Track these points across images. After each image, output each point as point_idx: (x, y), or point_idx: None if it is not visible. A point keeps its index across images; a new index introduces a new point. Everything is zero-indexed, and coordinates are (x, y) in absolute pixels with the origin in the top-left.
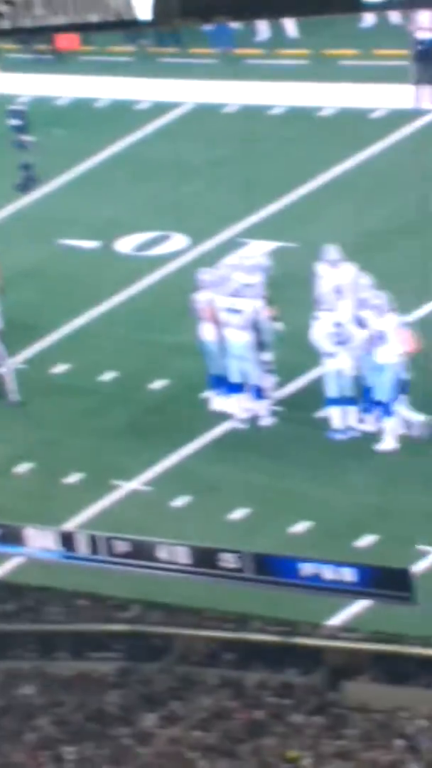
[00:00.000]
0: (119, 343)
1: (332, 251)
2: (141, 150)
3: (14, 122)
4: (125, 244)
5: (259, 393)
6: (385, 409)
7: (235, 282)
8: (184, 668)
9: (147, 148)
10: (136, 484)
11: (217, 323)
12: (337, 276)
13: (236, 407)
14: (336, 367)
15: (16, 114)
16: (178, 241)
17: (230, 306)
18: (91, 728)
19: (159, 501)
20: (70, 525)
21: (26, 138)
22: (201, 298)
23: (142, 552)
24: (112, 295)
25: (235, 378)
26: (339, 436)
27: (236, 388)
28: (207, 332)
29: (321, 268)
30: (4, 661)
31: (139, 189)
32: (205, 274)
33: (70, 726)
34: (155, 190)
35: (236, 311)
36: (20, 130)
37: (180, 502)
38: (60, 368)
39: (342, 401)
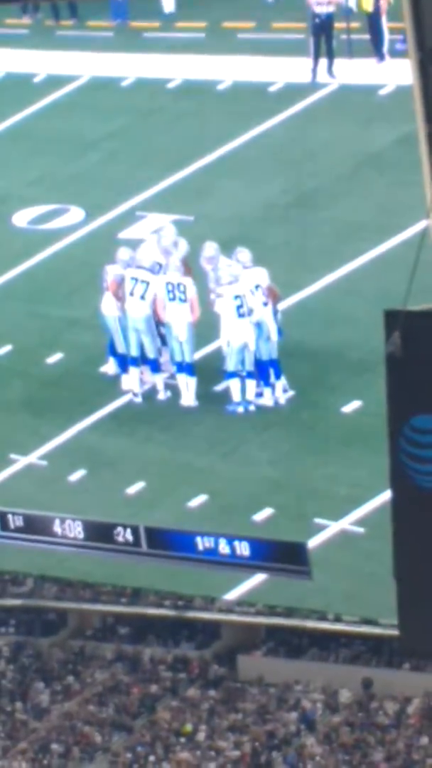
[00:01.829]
0: (15, 317)
1: (209, 248)
2: (38, 123)
3: None
4: (21, 218)
5: (156, 366)
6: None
7: (144, 257)
8: (79, 642)
9: (44, 122)
10: (32, 458)
11: (120, 298)
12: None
13: (134, 381)
14: (239, 341)
15: None
16: (75, 214)
17: (133, 276)
18: None
19: (55, 475)
20: None
21: None
22: (109, 271)
23: (36, 526)
24: (8, 269)
25: (133, 352)
26: (237, 410)
27: (133, 361)
28: (108, 306)
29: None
30: None
31: (36, 162)
32: (122, 253)
33: None
34: (52, 163)
35: (140, 282)
36: None
37: (76, 476)
38: None
39: (241, 374)
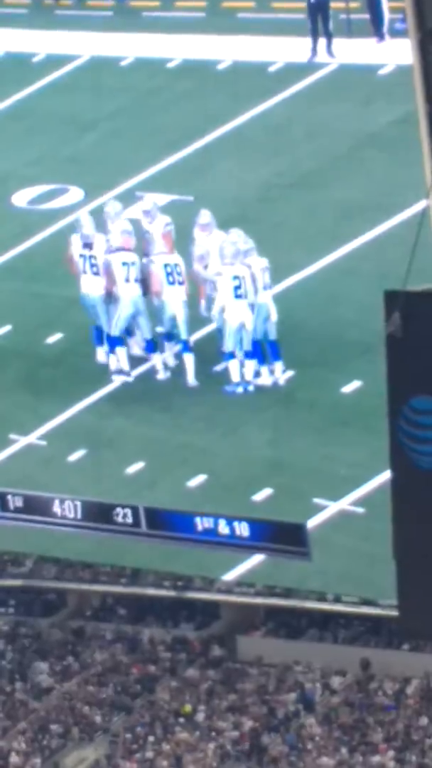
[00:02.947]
0: (15, 297)
1: (204, 215)
2: (37, 103)
3: None
4: (21, 198)
5: (152, 347)
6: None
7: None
8: (78, 623)
9: (43, 101)
10: (31, 438)
11: (110, 277)
12: (208, 241)
13: (123, 360)
14: (237, 321)
15: None
16: (74, 194)
17: (124, 260)
18: None
19: (55, 455)
20: None
21: None
22: (96, 254)
23: (35, 507)
24: (8, 249)
25: (117, 332)
26: (236, 390)
27: (119, 341)
28: (90, 286)
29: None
30: None
31: (35, 142)
32: (115, 239)
33: None
34: (51, 143)
35: (129, 264)
36: None
37: (76, 456)
38: None
39: (240, 355)
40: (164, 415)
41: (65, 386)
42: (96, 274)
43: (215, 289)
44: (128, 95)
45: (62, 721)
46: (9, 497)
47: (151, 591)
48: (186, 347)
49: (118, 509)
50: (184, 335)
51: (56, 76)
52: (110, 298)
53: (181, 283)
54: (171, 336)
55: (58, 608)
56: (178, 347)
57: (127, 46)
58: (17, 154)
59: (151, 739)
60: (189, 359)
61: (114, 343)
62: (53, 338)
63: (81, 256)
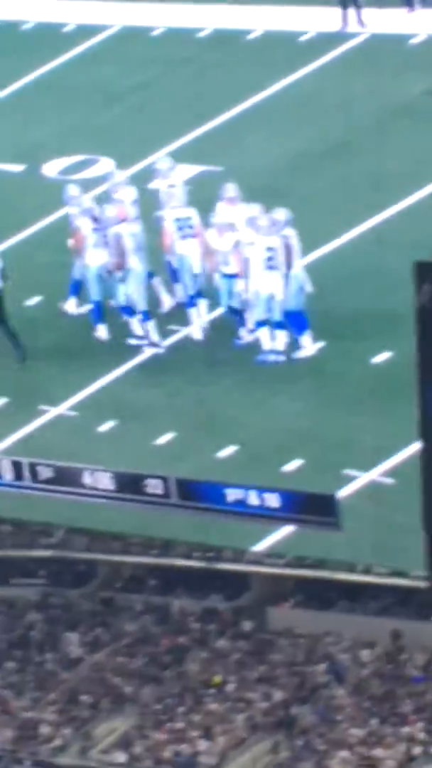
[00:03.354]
0: (45, 268)
1: (230, 189)
2: (67, 73)
3: None
4: (51, 168)
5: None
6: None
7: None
8: (109, 594)
9: (73, 72)
10: (61, 409)
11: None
12: (233, 214)
13: (153, 331)
14: (265, 291)
15: None
16: (104, 164)
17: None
18: (15, 654)
19: (85, 426)
20: None
21: None
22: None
23: (66, 478)
24: (38, 219)
25: (144, 305)
26: (267, 359)
27: (148, 314)
28: (94, 258)
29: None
30: None
31: (66, 113)
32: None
33: None
34: (82, 113)
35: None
36: None
37: (106, 427)
38: None
39: (271, 324)
40: (194, 385)
41: (95, 357)
42: (105, 246)
43: (227, 263)
44: (158, 65)
45: (92, 692)
46: (39, 468)
47: (181, 562)
48: (199, 295)
49: (148, 480)
50: (191, 290)
51: (86, 46)
52: (121, 272)
53: (193, 236)
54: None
55: (89, 579)
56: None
57: (158, 16)
58: (48, 125)
59: (181, 710)
60: (202, 306)
61: (146, 316)
62: (84, 309)
63: (94, 230)
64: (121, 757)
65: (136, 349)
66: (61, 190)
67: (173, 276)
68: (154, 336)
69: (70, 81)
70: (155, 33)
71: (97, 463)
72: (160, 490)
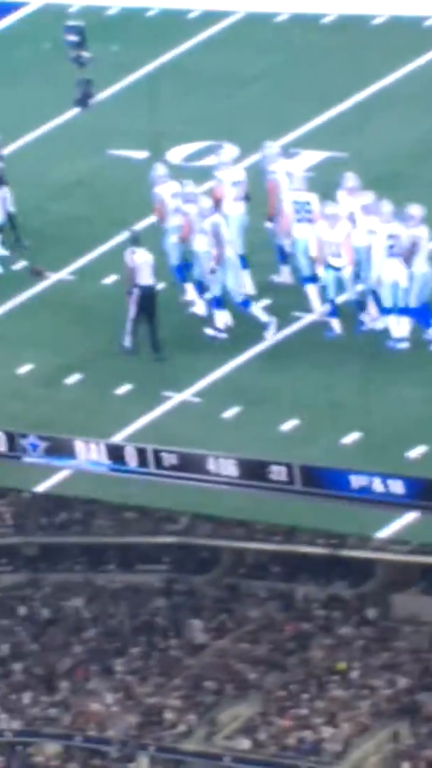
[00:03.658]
0: (164, 255)
1: (351, 178)
2: (192, 60)
3: (72, 38)
4: (176, 154)
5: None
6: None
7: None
8: (232, 580)
9: (198, 58)
10: (186, 395)
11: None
12: (352, 204)
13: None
14: (391, 279)
15: (73, 30)
16: (229, 151)
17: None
18: (140, 640)
19: (209, 412)
20: (119, 437)
21: (84, 54)
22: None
23: (190, 464)
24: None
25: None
26: (396, 346)
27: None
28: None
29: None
30: (52, 573)
31: (191, 99)
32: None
33: (118, 638)
34: (206, 99)
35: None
36: (78, 45)
37: (230, 413)
38: (110, 279)
39: (396, 311)
40: (319, 372)
41: (220, 343)
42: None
43: (337, 254)
44: (283, 51)
45: (216, 678)
46: (164, 455)
47: (306, 548)
48: (313, 279)
49: (273, 467)
50: (306, 271)
51: (211, 32)
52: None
53: (310, 221)
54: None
55: (213, 565)
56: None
57: (282, 2)
58: (172, 111)
59: (305, 696)
60: (312, 290)
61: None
62: (208, 294)
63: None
64: (245, 743)
65: (259, 335)
66: (186, 177)
67: (281, 257)
68: (264, 317)
69: (195, 67)
70: (279, 19)
71: (221, 449)
72: (284, 477)
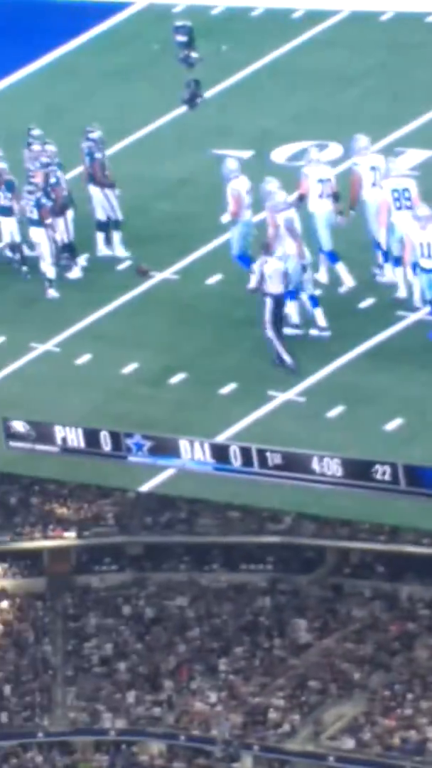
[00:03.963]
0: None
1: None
2: (297, 59)
3: (180, 38)
4: (280, 154)
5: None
6: None
7: None
8: (337, 580)
9: (303, 57)
10: (290, 394)
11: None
12: None
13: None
14: None
15: (181, 30)
16: (334, 150)
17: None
18: (244, 639)
19: (314, 412)
20: (224, 436)
21: (192, 54)
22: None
23: (295, 464)
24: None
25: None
26: None
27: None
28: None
29: None
30: (157, 572)
31: (295, 98)
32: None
33: (222, 637)
34: (311, 99)
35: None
36: (186, 46)
37: (335, 412)
38: (214, 278)
39: None
40: (424, 371)
41: (324, 343)
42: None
43: (428, 256)
44: (388, 50)
45: (320, 678)
46: (268, 454)
47: (410, 548)
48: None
49: (377, 466)
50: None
51: (316, 31)
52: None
53: (408, 208)
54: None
55: (317, 565)
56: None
57: (387, 1)
58: (276, 111)
59: (409, 696)
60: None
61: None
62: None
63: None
64: (349, 743)
65: (364, 335)
66: (290, 177)
67: (384, 256)
68: (321, 321)
69: (299, 67)
70: (384, 17)
71: (325, 448)
72: (388, 476)
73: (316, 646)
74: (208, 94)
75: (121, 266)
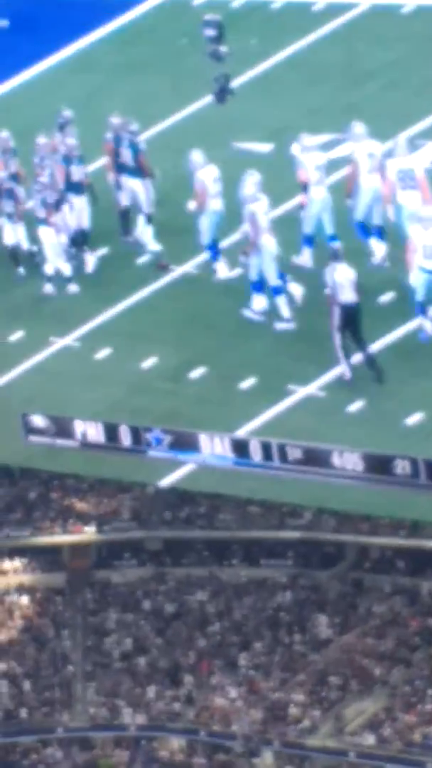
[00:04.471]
0: (294, 245)
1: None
2: (317, 52)
3: (209, 32)
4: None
5: None
6: None
7: None
8: (357, 575)
9: (323, 50)
10: (311, 389)
11: None
12: None
13: None
14: None
15: (210, 24)
16: (312, 138)
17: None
18: (264, 635)
19: (334, 406)
20: (244, 431)
21: (221, 48)
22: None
23: (315, 458)
24: (287, 199)
25: None
26: None
27: None
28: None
29: None
30: (177, 567)
31: (315, 91)
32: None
33: (242, 633)
34: (331, 92)
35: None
36: (215, 40)
37: (355, 406)
38: (234, 272)
39: None
40: None
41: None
42: None
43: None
44: (408, 44)
45: (341, 674)
46: (288, 449)
47: (431, 543)
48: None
49: (397, 461)
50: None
51: (336, 24)
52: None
53: (413, 188)
54: None
55: (337, 560)
56: None
57: None
58: (296, 104)
59: (430, 692)
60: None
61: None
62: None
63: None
64: (370, 738)
65: (383, 329)
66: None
67: (366, 235)
68: (285, 312)
69: (320, 60)
70: (405, 10)
71: (346, 443)
72: (408, 471)
73: (337, 641)
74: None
75: (141, 260)
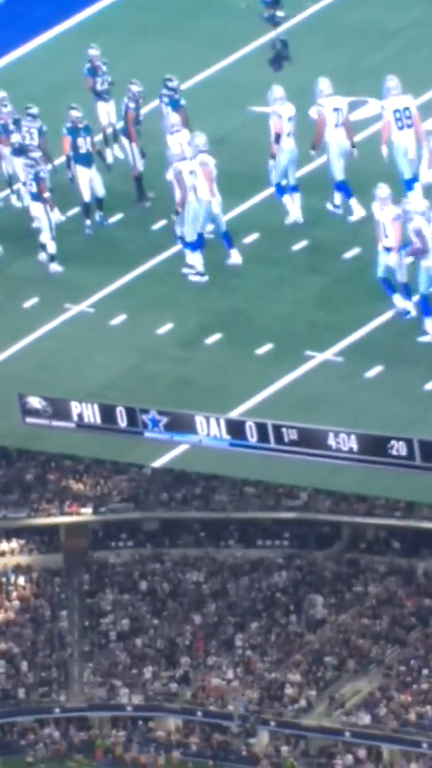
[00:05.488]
0: (311, 212)
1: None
2: (336, 13)
3: None
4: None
5: None
6: None
7: None
8: (353, 555)
9: (342, 12)
10: (327, 354)
11: None
12: None
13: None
14: None
15: None
16: (373, 106)
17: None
18: (260, 615)
19: (351, 372)
20: (260, 397)
21: (278, 13)
22: None
23: (310, 439)
24: (307, 163)
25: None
26: None
27: None
28: None
29: None
30: (173, 548)
31: (334, 53)
32: None
33: (238, 613)
34: (350, 54)
35: None
36: (272, 4)
37: (372, 372)
38: (251, 237)
39: None
40: None
41: (362, 302)
42: None
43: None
44: (428, 5)
45: (336, 654)
46: (284, 430)
47: (426, 524)
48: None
49: (393, 442)
50: (408, 174)
51: None
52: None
53: (410, 126)
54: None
55: (333, 541)
56: None
57: None
58: (316, 66)
59: (425, 672)
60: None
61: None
62: (351, 253)
63: None
64: (365, 718)
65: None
66: None
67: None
68: (199, 266)
69: (339, 21)
70: None
71: (362, 409)
72: (404, 452)
73: (332, 621)
74: (247, 50)
75: (156, 226)
